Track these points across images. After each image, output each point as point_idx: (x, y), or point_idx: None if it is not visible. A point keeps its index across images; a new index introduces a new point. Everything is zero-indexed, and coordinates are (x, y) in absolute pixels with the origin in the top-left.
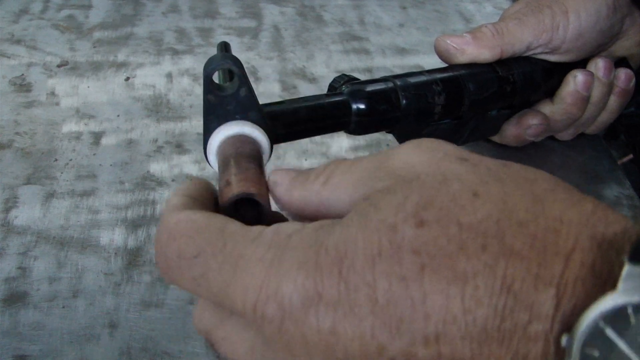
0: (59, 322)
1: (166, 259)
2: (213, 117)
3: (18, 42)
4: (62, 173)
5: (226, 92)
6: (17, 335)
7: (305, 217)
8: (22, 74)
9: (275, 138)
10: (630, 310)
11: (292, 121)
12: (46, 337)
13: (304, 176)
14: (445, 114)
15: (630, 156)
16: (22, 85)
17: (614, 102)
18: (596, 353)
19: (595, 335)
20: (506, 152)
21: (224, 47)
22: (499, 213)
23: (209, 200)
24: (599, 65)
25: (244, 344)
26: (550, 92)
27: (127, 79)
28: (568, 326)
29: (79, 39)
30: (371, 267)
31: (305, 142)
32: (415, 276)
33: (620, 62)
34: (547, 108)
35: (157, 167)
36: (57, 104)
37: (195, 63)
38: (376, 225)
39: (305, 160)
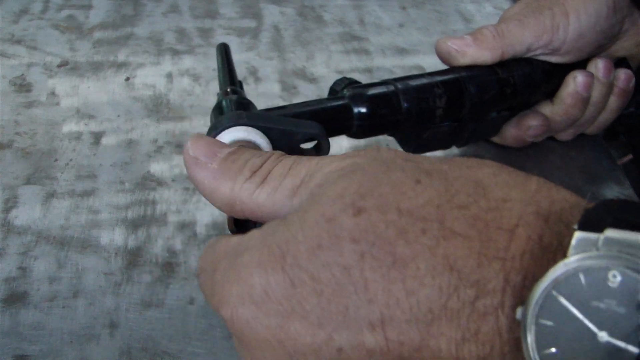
0: (59, 322)
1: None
2: (216, 123)
3: (18, 42)
4: (62, 173)
5: None
6: (17, 335)
7: (233, 213)
8: (22, 74)
9: None
10: (581, 276)
11: None
12: (46, 337)
13: (234, 167)
14: (445, 117)
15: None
16: (22, 85)
17: (613, 102)
18: (550, 322)
19: (549, 304)
20: (506, 152)
21: (224, 49)
22: (439, 198)
23: None
24: (599, 66)
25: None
26: (551, 93)
27: (127, 79)
28: (521, 299)
29: (79, 39)
30: (313, 260)
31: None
32: (356, 264)
33: (620, 62)
34: (547, 109)
35: (157, 167)
36: (57, 104)
37: (195, 63)
38: (315, 218)
39: None
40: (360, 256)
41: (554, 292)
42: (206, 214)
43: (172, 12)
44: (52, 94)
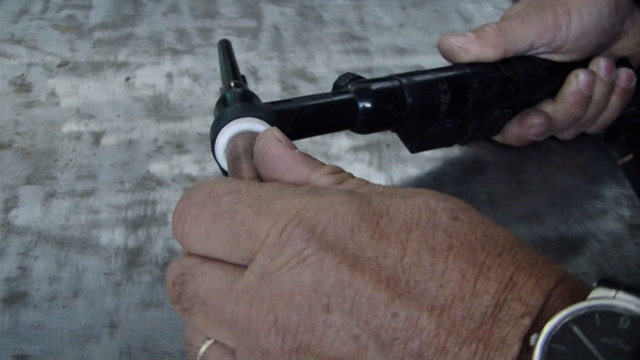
0: (59, 322)
1: (190, 197)
2: (222, 115)
3: (18, 42)
4: (62, 173)
5: None
6: (17, 335)
7: None
8: (22, 74)
9: None
10: (596, 316)
11: (299, 119)
12: (46, 337)
13: (315, 161)
14: (449, 113)
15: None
16: (22, 85)
17: (615, 101)
18: (562, 348)
19: (564, 334)
20: (507, 151)
21: (225, 45)
22: (516, 243)
23: None
24: (600, 65)
25: (222, 281)
26: (553, 92)
27: (127, 79)
28: (535, 330)
29: (79, 39)
30: (407, 230)
31: (305, 142)
32: (443, 251)
33: (621, 61)
34: (549, 107)
35: (157, 167)
36: (57, 104)
37: (195, 63)
38: (420, 203)
39: None
40: (449, 246)
41: (570, 324)
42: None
43: (172, 12)
44: (52, 94)
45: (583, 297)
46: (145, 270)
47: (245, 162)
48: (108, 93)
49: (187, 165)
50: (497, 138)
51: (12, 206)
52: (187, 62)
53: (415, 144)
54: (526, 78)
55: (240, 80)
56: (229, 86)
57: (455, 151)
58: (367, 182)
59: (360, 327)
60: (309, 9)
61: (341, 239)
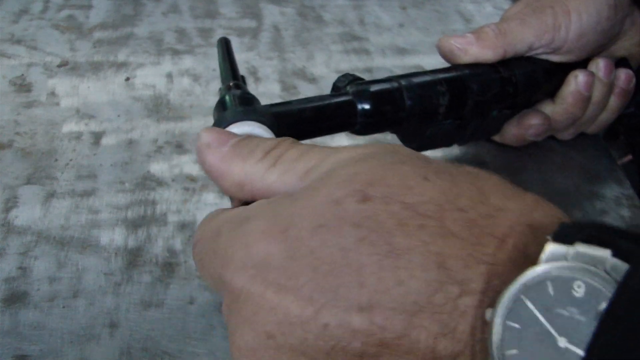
0: (59, 322)
1: (194, 254)
2: (221, 118)
3: (18, 42)
4: (62, 173)
5: None
6: (17, 335)
7: (242, 195)
8: (22, 74)
9: None
10: (549, 284)
11: (298, 121)
12: (46, 337)
13: (245, 149)
14: (448, 115)
15: (630, 156)
16: (22, 85)
17: (614, 102)
18: (517, 325)
19: (517, 308)
20: (507, 151)
21: (225, 43)
22: (443, 198)
23: None
24: (599, 66)
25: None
26: (551, 92)
27: (127, 79)
28: (494, 301)
29: (79, 39)
30: (314, 237)
31: (305, 143)
32: (354, 247)
33: (620, 62)
34: (548, 108)
35: (157, 167)
36: (57, 104)
37: (195, 63)
38: (322, 199)
39: None
40: (359, 240)
41: (522, 297)
42: (206, 214)
43: (172, 12)
44: (52, 94)
45: (537, 254)
46: (145, 270)
47: None
48: (108, 93)
49: (187, 165)
50: (496, 138)
51: (12, 206)
52: (187, 62)
53: (415, 145)
54: (525, 79)
55: (239, 80)
56: (229, 87)
57: (455, 151)
58: (296, 146)
59: (302, 347)
60: (309, 9)
61: (263, 269)
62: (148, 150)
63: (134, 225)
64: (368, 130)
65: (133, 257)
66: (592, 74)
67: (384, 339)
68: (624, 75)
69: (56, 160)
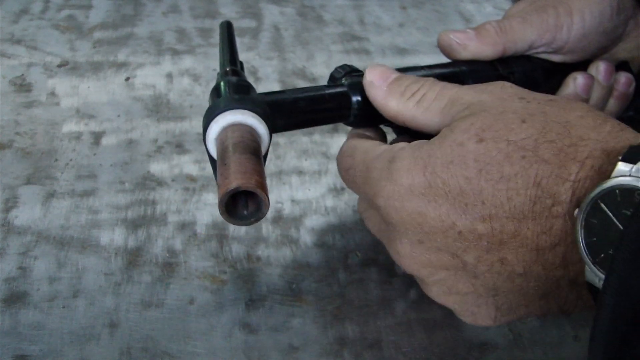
0: (59, 322)
1: (339, 169)
2: (215, 105)
3: (18, 42)
4: (62, 173)
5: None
6: (17, 335)
7: (397, 121)
8: (22, 74)
9: (275, 128)
10: (617, 192)
11: (291, 111)
12: (46, 337)
13: (399, 89)
14: None
15: None
16: (22, 85)
17: (612, 105)
18: (595, 221)
19: (595, 209)
20: None
21: (227, 27)
22: (537, 134)
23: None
24: (599, 69)
25: (375, 220)
26: (550, 93)
27: (127, 79)
28: (579, 205)
29: (79, 39)
30: (446, 170)
31: (305, 142)
32: (475, 176)
33: (620, 65)
34: None
35: (157, 167)
36: (57, 104)
37: (195, 63)
38: (450, 143)
39: (305, 160)
40: (478, 171)
41: (599, 201)
42: (206, 214)
43: (172, 12)
44: (52, 94)
45: (611, 171)
46: (145, 270)
47: (232, 157)
48: (108, 93)
49: (187, 165)
50: None
51: (12, 206)
52: (187, 62)
53: (408, 139)
54: (523, 78)
55: (237, 66)
56: (225, 72)
57: None
58: (434, 87)
59: (444, 247)
60: (309, 9)
61: (408, 196)
62: (148, 150)
63: (134, 225)
64: (361, 122)
65: (133, 257)
66: (592, 77)
67: (502, 239)
68: (623, 78)
69: (56, 160)
